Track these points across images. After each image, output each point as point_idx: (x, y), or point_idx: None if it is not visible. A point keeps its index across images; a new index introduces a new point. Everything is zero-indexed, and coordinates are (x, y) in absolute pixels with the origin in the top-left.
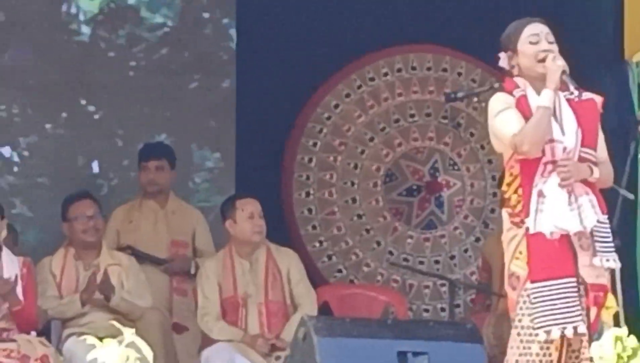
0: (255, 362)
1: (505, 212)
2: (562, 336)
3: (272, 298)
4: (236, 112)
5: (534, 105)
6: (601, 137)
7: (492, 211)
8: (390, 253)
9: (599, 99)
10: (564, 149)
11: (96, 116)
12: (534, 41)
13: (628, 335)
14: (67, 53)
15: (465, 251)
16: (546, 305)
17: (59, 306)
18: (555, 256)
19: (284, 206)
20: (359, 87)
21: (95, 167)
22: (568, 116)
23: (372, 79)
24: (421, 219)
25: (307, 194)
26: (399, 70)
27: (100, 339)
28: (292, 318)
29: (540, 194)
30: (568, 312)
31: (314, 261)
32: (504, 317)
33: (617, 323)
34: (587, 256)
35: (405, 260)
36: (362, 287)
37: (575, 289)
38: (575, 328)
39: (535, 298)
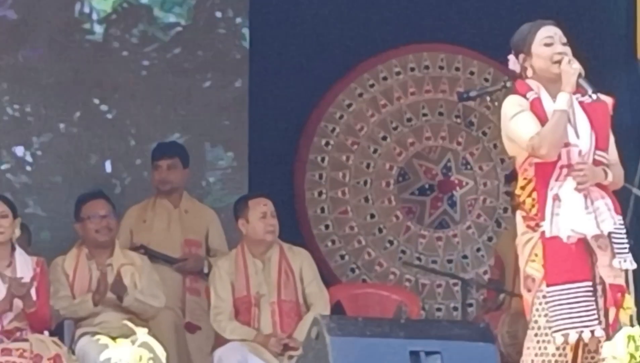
0: (268, 362)
1: (519, 215)
2: (579, 339)
3: (285, 297)
4: (249, 112)
5: (548, 108)
6: (611, 138)
7: (505, 210)
8: (403, 252)
9: (609, 101)
10: (579, 152)
11: (109, 116)
12: (549, 43)
13: None
14: (80, 52)
15: (478, 250)
16: (563, 309)
17: (72, 306)
18: (572, 259)
19: (296, 205)
20: (372, 86)
21: (108, 166)
22: (581, 119)
23: (384, 78)
24: (434, 219)
25: (320, 193)
26: (412, 69)
27: (113, 339)
28: (305, 318)
29: (556, 198)
30: (585, 316)
31: (326, 260)
32: (518, 317)
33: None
34: (606, 256)
35: (418, 259)
36: (375, 286)
37: (592, 292)
38: (592, 331)
39: (552, 301)
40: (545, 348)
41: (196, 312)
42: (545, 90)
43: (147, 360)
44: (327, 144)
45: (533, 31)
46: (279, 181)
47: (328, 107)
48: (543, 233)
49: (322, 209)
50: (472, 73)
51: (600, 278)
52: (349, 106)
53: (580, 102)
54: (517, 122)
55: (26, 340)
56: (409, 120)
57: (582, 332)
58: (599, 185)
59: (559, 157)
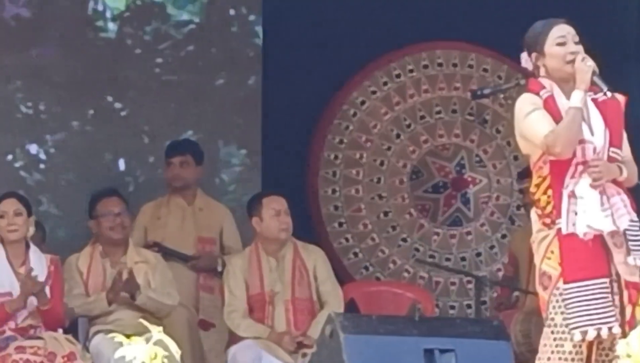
0: (282, 359)
1: (534, 213)
2: (597, 336)
3: (299, 295)
4: (262, 109)
5: (561, 105)
6: (625, 136)
7: (518, 207)
8: (417, 249)
9: (622, 98)
10: (594, 149)
11: (123, 113)
12: (562, 42)
13: None
14: (93, 50)
15: (492, 247)
16: (581, 306)
17: (86, 304)
18: (589, 256)
19: (310, 203)
20: (385, 83)
21: (122, 164)
22: (595, 116)
23: (398, 76)
24: (447, 216)
25: (333, 191)
26: (425, 66)
27: (128, 337)
28: (319, 316)
29: (572, 195)
30: (603, 313)
31: (340, 258)
32: (531, 315)
33: None
34: (621, 253)
35: (432, 256)
36: (389, 284)
37: (609, 289)
38: (610, 328)
39: (569, 299)
40: (562, 345)
41: (210, 310)
42: (559, 88)
43: (161, 358)
44: (340, 141)
45: (545, 31)
46: (293, 179)
47: (341, 105)
48: (559, 230)
49: (336, 207)
50: (485, 70)
51: (617, 274)
52: (363, 103)
53: (594, 100)
54: (531, 121)
55: (40, 337)
56: (423, 118)
57: (600, 329)
58: (615, 181)
59: (574, 154)
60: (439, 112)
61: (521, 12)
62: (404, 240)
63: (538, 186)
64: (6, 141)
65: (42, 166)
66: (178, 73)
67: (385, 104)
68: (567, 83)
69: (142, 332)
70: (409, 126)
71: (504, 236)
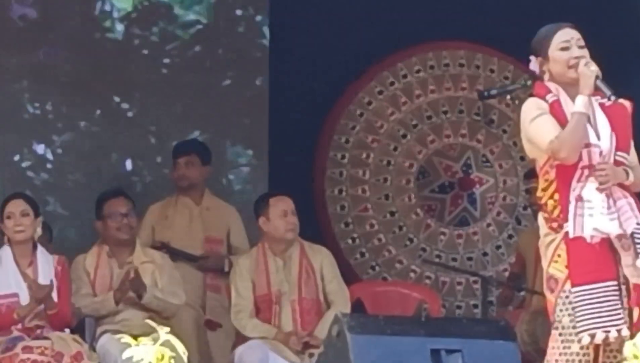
0: (289, 360)
1: (541, 217)
2: (606, 339)
3: (306, 295)
4: (269, 109)
5: (567, 110)
6: (631, 140)
7: (525, 208)
8: (423, 249)
9: (628, 104)
10: (600, 153)
11: (130, 114)
12: (565, 47)
13: None
14: (100, 51)
15: (498, 247)
16: (589, 309)
17: (93, 304)
18: (597, 259)
19: (316, 203)
20: (392, 84)
21: (129, 164)
22: (602, 120)
23: (404, 76)
24: (454, 216)
25: (340, 191)
26: (432, 67)
27: (135, 337)
28: (326, 316)
29: (579, 198)
30: (611, 315)
31: (346, 258)
32: (537, 315)
33: None
34: (629, 256)
35: (438, 256)
36: (395, 284)
37: (617, 292)
38: (618, 331)
39: (578, 302)
40: (569, 347)
41: (217, 310)
42: (565, 92)
43: (168, 359)
44: (347, 141)
45: (550, 35)
46: (299, 179)
47: (348, 105)
48: (566, 234)
49: (342, 207)
50: (492, 71)
51: (624, 277)
52: (369, 103)
53: (601, 104)
54: (536, 126)
55: (47, 337)
56: (429, 118)
57: (608, 331)
58: (621, 185)
59: (580, 158)
60: (445, 112)
61: (528, 12)
62: (411, 240)
63: (545, 190)
64: (13, 141)
65: (49, 166)
66: (185, 74)
67: (391, 104)
68: (572, 87)
69: (149, 332)
70: (415, 126)
71: (510, 236)
